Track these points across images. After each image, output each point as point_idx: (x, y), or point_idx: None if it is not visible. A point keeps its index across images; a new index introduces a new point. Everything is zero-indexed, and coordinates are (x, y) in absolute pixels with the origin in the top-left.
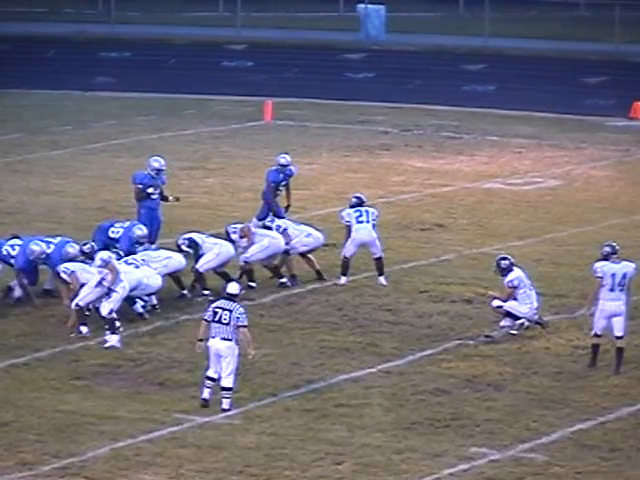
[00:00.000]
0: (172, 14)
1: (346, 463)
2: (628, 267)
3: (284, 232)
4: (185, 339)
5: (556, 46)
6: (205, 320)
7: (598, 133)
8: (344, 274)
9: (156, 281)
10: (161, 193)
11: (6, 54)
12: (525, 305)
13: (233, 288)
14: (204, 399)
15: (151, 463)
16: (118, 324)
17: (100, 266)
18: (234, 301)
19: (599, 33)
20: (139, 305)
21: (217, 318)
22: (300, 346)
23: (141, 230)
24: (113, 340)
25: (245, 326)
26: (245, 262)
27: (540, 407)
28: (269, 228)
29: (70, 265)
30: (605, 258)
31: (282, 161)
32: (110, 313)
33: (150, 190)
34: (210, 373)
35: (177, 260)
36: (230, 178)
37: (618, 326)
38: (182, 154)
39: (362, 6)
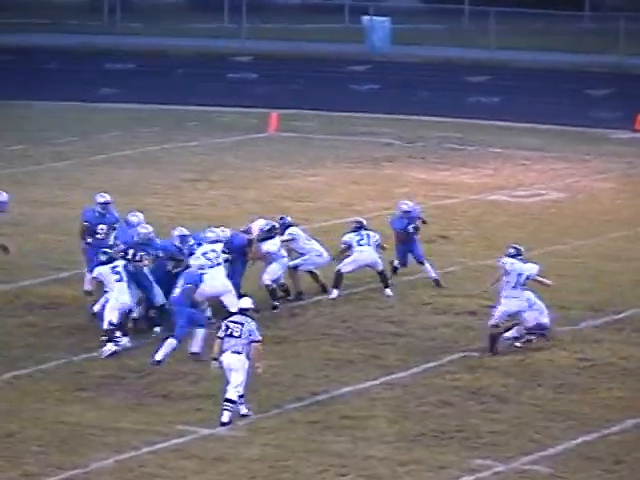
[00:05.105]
0: (177, 25)
1: (350, 475)
2: (532, 269)
3: (292, 242)
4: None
5: (561, 58)
6: (218, 337)
7: (602, 145)
8: (336, 287)
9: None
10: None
11: (10, 65)
12: (544, 316)
13: (245, 302)
14: (223, 423)
15: (155, 475)
16: (118, 333)
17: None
18: (246, 315)
19: (604, 45)
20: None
21: (229, 332)
22: (304, 358)
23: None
24: (110, 347)
25: (258, 341)
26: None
27: (544, 419)
28: (273, 228)
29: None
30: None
31: (404, 207)
32: (110, 324)
33: (96, 229)
34: (229, 395)
35: None
36: (234, 190)
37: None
38: (186, 165)
39: (367, 18)
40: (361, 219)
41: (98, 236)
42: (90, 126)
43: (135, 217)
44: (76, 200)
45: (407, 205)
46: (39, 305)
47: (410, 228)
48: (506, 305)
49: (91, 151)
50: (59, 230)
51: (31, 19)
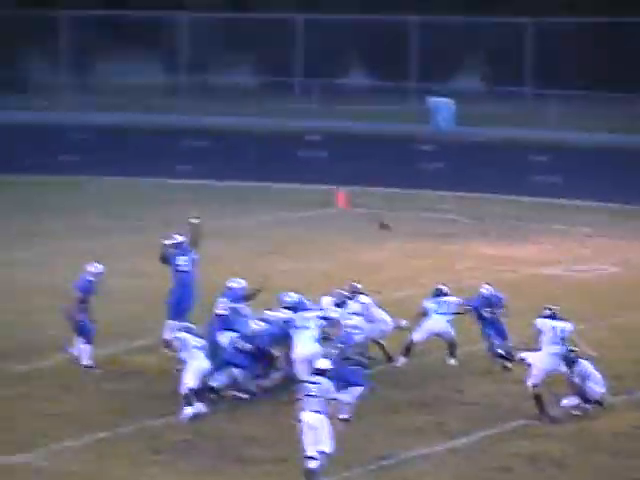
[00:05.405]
0: (248, 105)
1: None
2: (566, 325)
3: (368, 311)
4: (263, 415)
5: (620, 139)
6: (298, 398)
7: None
8: (405, 355)
9: None
10: None
11: (89, 143)
12: (600, 385)
13: (323, 364)
14: (311, 469)
15: None
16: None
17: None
18: (323, 375)
19: None
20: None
21: (306, 392)
22: (370, 424)
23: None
24: (189, 411)
25: (334, 399)
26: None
27: None
28: (345, 297)
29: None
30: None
31: (484, 292)
32: (189, 389)
33: (175, 261)
34: (309, 452)
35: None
36: (305, 263)
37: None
38: (257, 240)
39: (432, 99)
40: (442, 285)
41: (180, 268)
42: (166, 201)
43: (236, 283)
44: (153, 271)
45: (486, 289)
46: (118, 372)
47: (486, 313)
48: (543, 363)
49: (166, 225)
50: (138, 300)
51: (109, 99)
